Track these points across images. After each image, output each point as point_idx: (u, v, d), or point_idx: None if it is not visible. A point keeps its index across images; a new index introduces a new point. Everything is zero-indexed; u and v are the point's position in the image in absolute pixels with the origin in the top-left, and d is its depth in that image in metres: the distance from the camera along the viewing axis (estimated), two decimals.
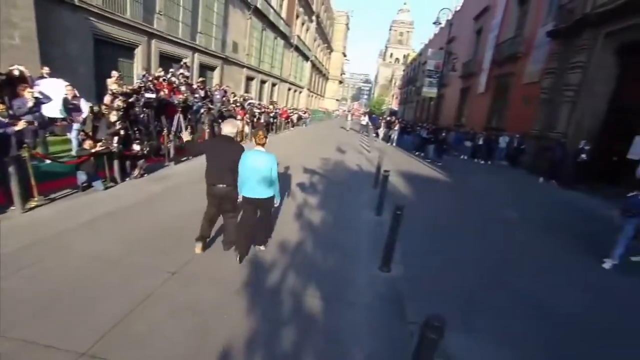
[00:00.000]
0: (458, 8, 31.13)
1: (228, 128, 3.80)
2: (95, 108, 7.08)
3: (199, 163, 8.34)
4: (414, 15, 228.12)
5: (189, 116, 9.84)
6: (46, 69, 7.04)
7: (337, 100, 62.19)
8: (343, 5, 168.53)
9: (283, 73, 28.03)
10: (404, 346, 2.65)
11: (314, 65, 40.51)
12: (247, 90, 20.76)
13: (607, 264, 4.88)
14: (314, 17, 35.94)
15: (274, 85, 26.51)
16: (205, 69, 15.95)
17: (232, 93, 13.85)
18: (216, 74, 16.98)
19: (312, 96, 43.15)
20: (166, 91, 9.23)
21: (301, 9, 30.33)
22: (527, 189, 10.95)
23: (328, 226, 5.21)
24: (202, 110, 10.03)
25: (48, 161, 5.41)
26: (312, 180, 7.99)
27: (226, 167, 3.59)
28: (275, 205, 3.86)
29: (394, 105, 72.82)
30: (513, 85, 17.62)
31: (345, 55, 61.79)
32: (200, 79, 12.50)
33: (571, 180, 10.70)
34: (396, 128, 19.06)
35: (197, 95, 10.93)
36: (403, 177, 9.79)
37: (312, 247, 4.37)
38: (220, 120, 10.92)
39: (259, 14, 20.15)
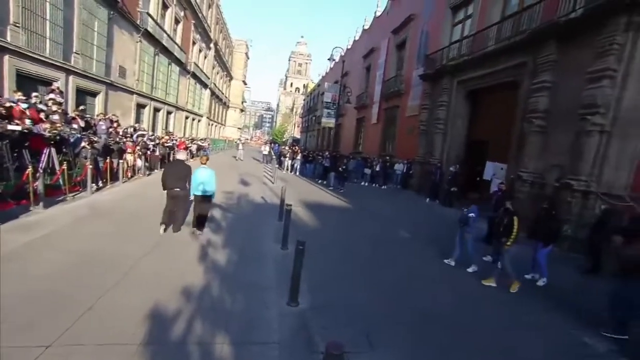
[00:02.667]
0: (349, 46, 35.22)
1: (181, 155, 6.88)
2: None
3: (81, 204, 7.37)
4: (311, 48, 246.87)
5: (65, 150, 8.61)
6: None
7: (238, 128, 61.69)
8: (242, 34, 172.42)
9: (179, 100, 26.76)
10: None
11: (213, 93, 39.78)
12: (138, 119, 19.10)
13: (471, 269, 6.14)
14: (211, 45, 35.70)
15: (169, 113, 25.00)
16: (84, 95, 14.15)
17: (116, 122, 12.60)
18: (99, 100, 15.23)
19: (212, 125, 41.96)
20: (30, 120, 7.93)
21: (198, 36, 29.89)
22: (416, 209, 12.74)
23: (233, 264, 5.20)
24: (83, 143, 8.89)
25: None
26: (215, 216, 7.80)
27: (179, 178, 6.04)
28: (213, 199, 6.55)
29: (297, 134, 75.93)
30: (399, 117, 20.56)
31: (245, 84, 62.46)
32: (80, 107, 11.11)
33: (448, 199, 12.92)
34: (298, 157, 19.99)
35: (75, 126, 9.68)
36: (307, 206, 10.33)
37: (218, 289, 4.31)
38: (105, 155, 9.85)
39: (150, 37, 19.12)
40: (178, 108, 26.79)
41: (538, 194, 8.91)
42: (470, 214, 6.03)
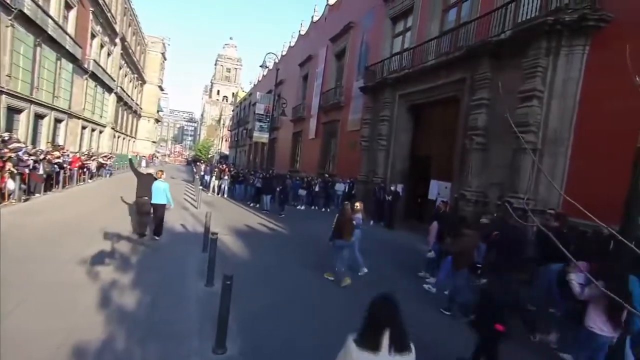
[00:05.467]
0: (284, 52, 36.12)
1: (150, 170, 9.55)
2: None
3: None
4: (242, 52, 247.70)
5: None
6: None
7: (153, 142, 58.58)
8: (158, 31, 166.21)
9: (73, 106, 24.53)
10: None
11: (120, 99, 37.39)
12: (9, 128, 16.99)
13: (361, 272, 7.38)
14: (117, 40, 33.81)
15: (58, 121, 22.75)
16: None
17: None
18: None
19: (119, 137, 39.20)
20: None
21: (98, 27, 28.00)
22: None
23: (145, 309, 4.86)
24: None
25: None
26: (122, 251, 7.29)
27: (146, 189, 8.30)
28: (168, 208, 8.69)
29: (225, 149, 74.41)
30: (340, 132, 21.40)
31: (162, 89, 60.00)
32: None
33: (391, 220, 13.65)
34: (226, 177, 19.59)
35: None
36: (237, 234, 10.17)
37: (124, 342, 3.99)
38: None
39: (28, 23, 17.21)
40: (71, 115, 24.56)
41: (482, 213, 9.88)
42: (354, 221, 7.43)
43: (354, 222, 7.45)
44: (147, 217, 8.50)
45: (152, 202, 8.31)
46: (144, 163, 26.77)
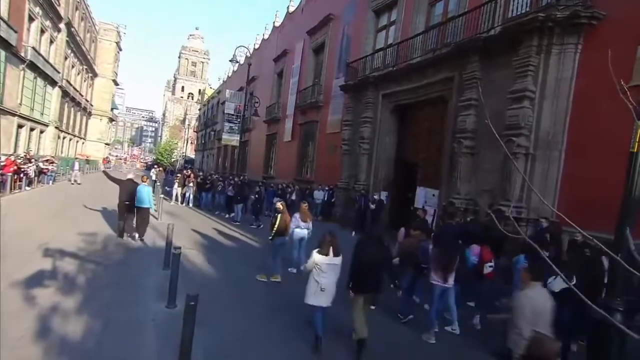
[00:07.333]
0: (257, 46, 36.08)
1: (130, 176, 10.71)
2: None
3: None
4: (209, 44, 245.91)
5: None
6: None
7: (106, 144, 57.01)
8: (111, 17, 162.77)
9: (7, 101, 23.44)
10: None
11: (66, 94, 36.25)
12: None
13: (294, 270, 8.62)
14: (62, 25, 32.64)
15: None
16: None
17: None
18: None
19: (64, 138, 37.96)
20: None
21: (38, 9, 26.75)
22: (341, 246, 13.21)
23: (94, 337, 4.69)
24: None
25: None
26: (67, 270, 7.03)
27: (129, 192, 9.66)
28: (152, 211, 10.65)
29: (190, 152, 73.43)
30: (319, 134, 21.50)
31: (117, 84, 58.64)
32: None
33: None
34: (191, 184, 19.29)
35: None
36: (204, 248, 10.10)
37: None
38: None
39: None
40: (4, 111, 23.50)
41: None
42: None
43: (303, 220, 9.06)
44: (129, 220, 9.83)
45: (137, 205, 9.66)
46: (76, 166, 26.40)
